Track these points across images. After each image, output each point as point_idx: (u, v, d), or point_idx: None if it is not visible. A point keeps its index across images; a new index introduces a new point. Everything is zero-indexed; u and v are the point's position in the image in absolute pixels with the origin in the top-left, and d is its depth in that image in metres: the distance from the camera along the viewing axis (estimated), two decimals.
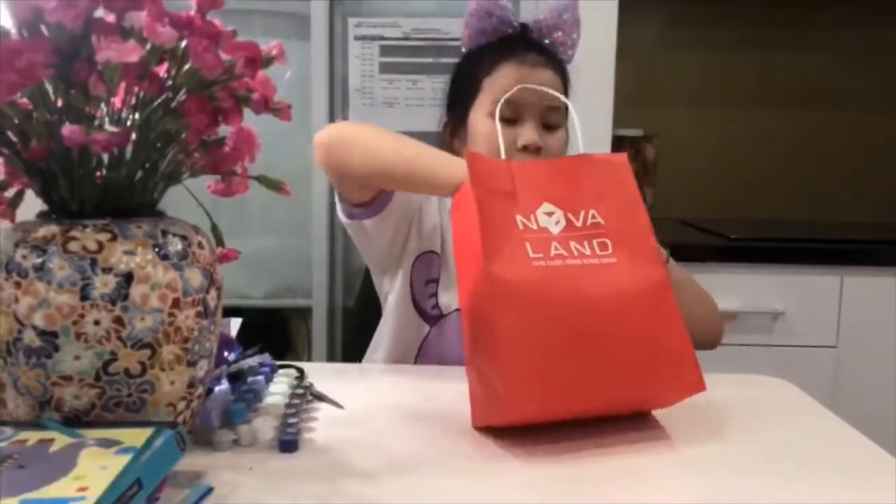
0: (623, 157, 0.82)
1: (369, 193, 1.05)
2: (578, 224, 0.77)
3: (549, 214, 0.76)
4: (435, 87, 1.14)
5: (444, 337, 1.12)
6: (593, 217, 0.77)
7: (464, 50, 1.15)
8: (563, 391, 0.72)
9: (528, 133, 1.06)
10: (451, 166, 0.89)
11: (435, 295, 1.12)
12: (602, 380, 0.72)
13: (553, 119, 1.09)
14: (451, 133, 1.16)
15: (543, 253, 0.73)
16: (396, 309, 1.15)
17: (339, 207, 1.10)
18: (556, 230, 0.75)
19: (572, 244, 0.75)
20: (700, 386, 0.76)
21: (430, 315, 1.12)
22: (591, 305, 0.72)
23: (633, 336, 0.74)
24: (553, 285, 0.72)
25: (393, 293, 1.15)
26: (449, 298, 1.11)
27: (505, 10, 1.11)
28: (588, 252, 0.75)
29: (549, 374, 0.71)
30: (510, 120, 1.06)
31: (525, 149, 1.06)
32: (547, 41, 1.12)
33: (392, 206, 1.07)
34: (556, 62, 1.11)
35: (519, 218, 0.75)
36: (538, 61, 1.09)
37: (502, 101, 0.98)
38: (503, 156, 1.03)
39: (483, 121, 1.08)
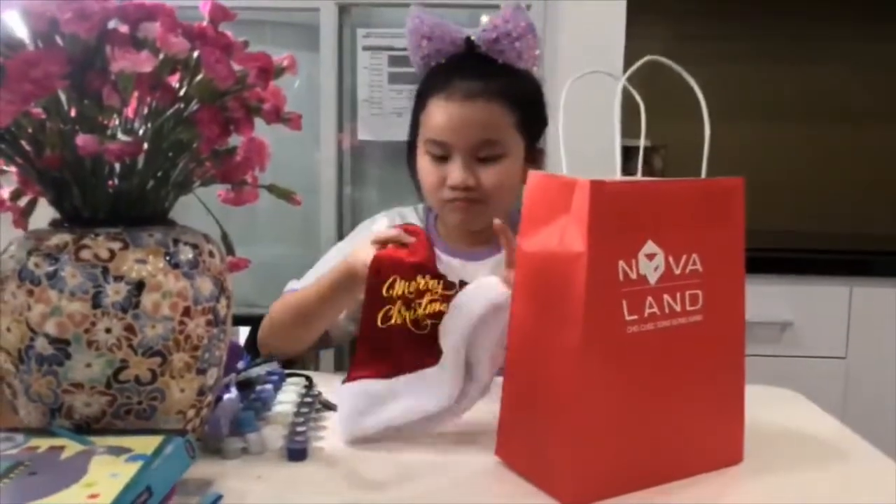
0: (739, 182, 0.72)
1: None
2: (677, 271, 0.68)
3: (651, 257, 0.66)
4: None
5: None
6: (693, 263, 0.68)
7: (417, 74, 1.10)
8: (631, 470, 0.67)
9: (453, 174, 1.03)
10: (337, 270, 0.95)
11: None
12: (665, 453, 0.69)
13: (488, 152, 1.03)
14: (412, 161, 1.13)
15: (638, 314, 0.66)
16: None
17: None
18: (653, 279, 0.66)
19: (665, 298, 0.67)
20: (740, 458, 0.74)
21: None
22: (667, 378, 0.68)
23: (698, 407, 0.70)
24: (641, 358, 0.66)
25: None
26: None
27: (443, 29, 1.04)
28: (678, 308, 0.68)
29: (621, 455, 0.66)
30: (443, 157, 1.04)
31: (454, 188, 1.04)
32: (497, 54, 1.04)
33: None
34: (499, 84, 1.03)
35: (621, 265, 0.65)
36: (471, 91, 1.01)
37: (428, 139, 1.03)
38: (437, 195, 1.07)
39: (421, 156, 1.08)
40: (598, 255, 0.63)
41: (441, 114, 1.03)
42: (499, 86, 1.03)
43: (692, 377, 0.70)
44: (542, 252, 0.67)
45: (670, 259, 0.67)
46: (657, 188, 0.68)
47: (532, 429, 0.69)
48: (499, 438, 0.73)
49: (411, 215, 1.19)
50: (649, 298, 0.66)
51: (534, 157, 1.10)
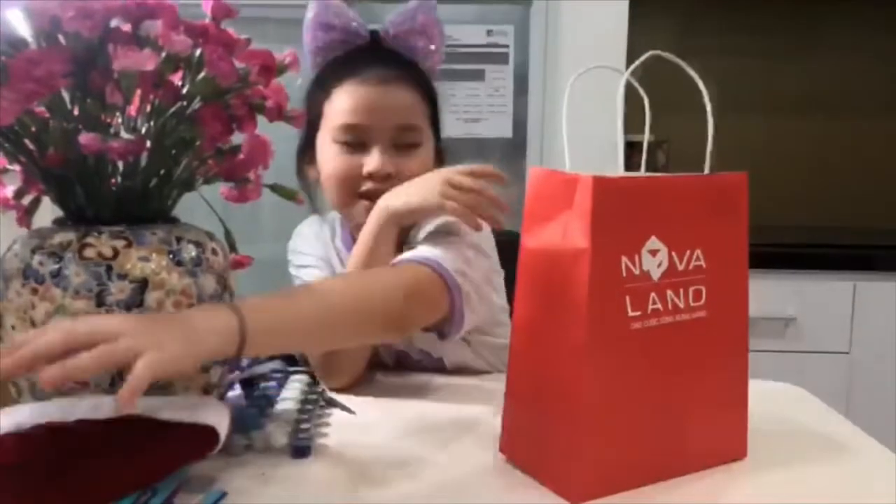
0: (742, 177, 0.71)
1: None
2: (680, 267, 0.67)
3: (654, 253, 0.66)
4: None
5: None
6: (697, 259, 0.68)
7: (311, 69, 1.02)
8: (638, 466, 0.67)
9: (372, 160, 0.95)
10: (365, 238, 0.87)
11: None
12: (671, 448, 0.69)
13: (408, 139, 0.96)
14: (309, 159, 1.02)
15: (642, 310, 0.65)
16: None
17: None
18: (656, 275, 0.66)
19: (669, 294, 0.67)
20: (744, 453, 0.74)
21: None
22: (671, 373, 0.68)
23: (702, 401, 0.70)
24: (645, 354, 0.66)
25: None
26: None
27: (348, 20, 0.99)
28: (682, 305, 0.67)
29: (628, 450, 0.67)
30: (357, 145, 0.96)
31: (371, 177, 0.95)
32: (404, 48, 1.00)
33: None
34: (412, 74, 0.99)
35: (624, 260, 0.64)
36: (387, 76, 0.96)
37: (341, 125, 0.94)
38: (347, 189, 0.95)
39: (328, 147, 0.97)
40: (601, 251, 0.63)
41: (355, 97, 0.95)
42: (413, 75, 0.99)
43: (696, 373, 0.70)
44: (545, 248, 0.67)
45: (673, 255, 0.67)
46: (660, 184, 0.68)
47: (537, 425, 0.69)
48: (503, 435, 0.73)
49: (337, 222, 1.09)
50: (652, 294, 0.66)
51: (440, 155, 1.03)
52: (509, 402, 0.72)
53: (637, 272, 0.65)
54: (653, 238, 0.66)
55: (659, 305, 0.66)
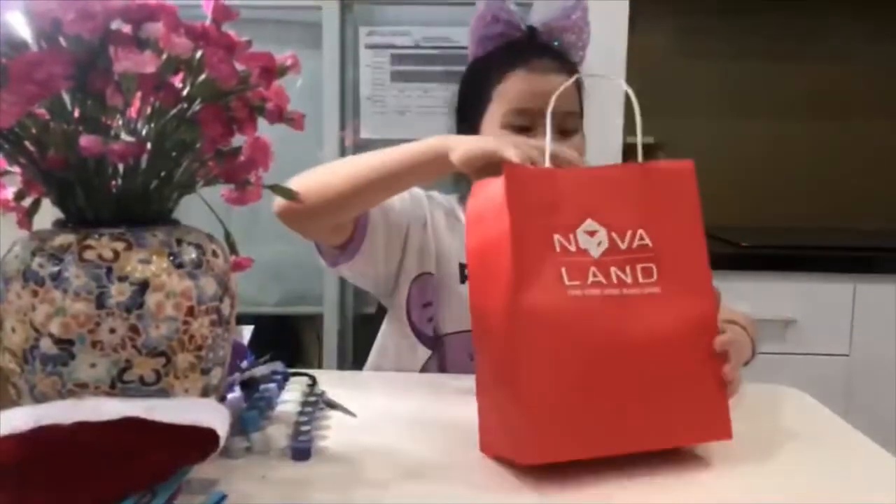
0: (689, 165, 0.75)
1: (343, 234, 1.04)
2: (623, 246, 0.71)
3: (591, 234, 0.70)
4: (447, 95, 1.13)
5: (445, 359, 1.11)
6: (640, 238, 0.72)
7: (470, 57, 1.12)
8: (591, 433, 0.69)
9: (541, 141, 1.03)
10: (428, 143, 0.89)
11: (433, 319, 1.11)
12: (631, 419, 0.70)
13: (569, 124, 1.04)
14: None
15: (580, 280, 0.69)
16: (392, 334, 1.14)
17: (322, 261, 1.10)
18: (596, 253, 0.70)
19: (613, 270, 0.70)
20: (727, 434, 0.73)
21: (429, 338, 1.11)
22: (625, 343, 0.69)
23: (666, 375, 0.71)
24: (588, 319, 0.68)
25: (388, 317, 1.15)
26: (447, 320, 1.10)
27: (511, 13, 1.08)
28: (629, 280, 0.70)
29: (578, 416, 0.68)
30: (524, 129, 1.02)
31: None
32: (556, 43, 1.09)
33: (369, 241, 1.06)
34: (568, 65, 1.08)
35: (557, 238, 0.69)
36: (549, 66, 1.06)
37: (514, 108, 1.01)
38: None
39: (496, 132, 1.05)
40: (523, 225, 0.68)
41: (526, 82, 1.04)
42: (569, 67, 1.07)
43: (657, 347, 0.71)
44: (482, 241, 0.73)
45: (614, 235, 0.71)
46: (587, 174, 0.75)
47: (498, 407, 0.71)
48: (480, 435, 0.75)
49: (455, 202, 1.17)
50: (592, 269, 0.70)
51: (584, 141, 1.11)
52: (479, 399, 0.75)
53: (573, 249, 0.70)
54: (589, 220, 0.71)
55: (601, 279, 0.70)
